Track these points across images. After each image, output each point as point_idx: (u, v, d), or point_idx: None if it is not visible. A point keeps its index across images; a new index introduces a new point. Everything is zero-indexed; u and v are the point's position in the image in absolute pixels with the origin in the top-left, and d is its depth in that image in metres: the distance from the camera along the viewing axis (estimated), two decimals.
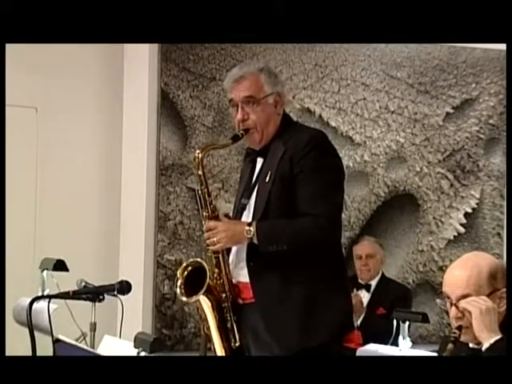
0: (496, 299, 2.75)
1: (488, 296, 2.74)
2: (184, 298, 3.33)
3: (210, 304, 3.31)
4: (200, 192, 3.33)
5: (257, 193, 3.32)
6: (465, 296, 2.75)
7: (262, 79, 3.32)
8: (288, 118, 3.43)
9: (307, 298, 3.21)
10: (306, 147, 3.23)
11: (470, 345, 2.82)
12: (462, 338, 2.76)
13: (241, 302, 3.33)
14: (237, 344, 3.30)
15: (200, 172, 3.31)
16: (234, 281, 3.34)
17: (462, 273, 2.78)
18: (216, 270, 3.32)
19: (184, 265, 3.37)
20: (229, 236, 3.25)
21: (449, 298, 2.81)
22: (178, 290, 3.32)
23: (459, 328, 2.74)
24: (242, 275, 3.32)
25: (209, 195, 3.33)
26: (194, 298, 3.29)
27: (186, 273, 3.33)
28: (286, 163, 3.24)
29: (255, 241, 3.22)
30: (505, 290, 2.77)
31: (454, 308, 2.78)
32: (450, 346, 2.68)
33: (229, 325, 3.32)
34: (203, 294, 3.28)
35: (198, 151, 3.33)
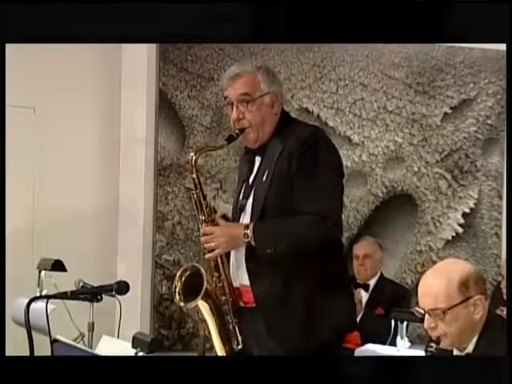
0: (470, 307, 2.75)
1: (460, 304, 2.73)
2: (182, 304, 3.27)
3: (208, 308, 3.25)
4: (195, 196, 3.26)
5: (254, 193, 3.25)
6: (436, 308, 2.74)
7: (258, 78, 3.25)
8: (287, 115, 3.35)
9: (308, 299, 3.15)
10: (305, 144, 3.16)
11: (455, 352, 2.82)
12: (443, 345, 2.77)
13: (242, 305, 3.27)
14: (239, 346, 3.23)
15: (194, 175, 3.23)
16: (234, 284, 3.27)
17: (433, 282, 2.78)
18: (215, 274, 3.26)
19: (181, 270, 3.30)
20: (227, 241, 3.19)
21: (422, 307, 2.80)
22: (177, 297, 3.25)
23: (437, 342, 2.75)
24: (243, 278, 3.25)
25: (204, 198, 3.25)
26: (192, 304, 3.23)
27: (183, 278, 3.27)
28: (284, 161, 3.17)
29: (253, 243, 3.16)
30: (479, 296, 2.76)
31: (427, 317, 2.77)
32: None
33: (230, 327, 3.25)
34: (202, 299, 3.22)
35: (191, 154, 3.24)
